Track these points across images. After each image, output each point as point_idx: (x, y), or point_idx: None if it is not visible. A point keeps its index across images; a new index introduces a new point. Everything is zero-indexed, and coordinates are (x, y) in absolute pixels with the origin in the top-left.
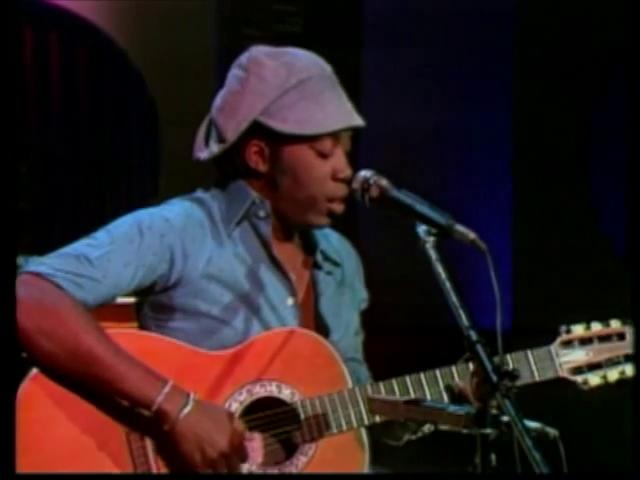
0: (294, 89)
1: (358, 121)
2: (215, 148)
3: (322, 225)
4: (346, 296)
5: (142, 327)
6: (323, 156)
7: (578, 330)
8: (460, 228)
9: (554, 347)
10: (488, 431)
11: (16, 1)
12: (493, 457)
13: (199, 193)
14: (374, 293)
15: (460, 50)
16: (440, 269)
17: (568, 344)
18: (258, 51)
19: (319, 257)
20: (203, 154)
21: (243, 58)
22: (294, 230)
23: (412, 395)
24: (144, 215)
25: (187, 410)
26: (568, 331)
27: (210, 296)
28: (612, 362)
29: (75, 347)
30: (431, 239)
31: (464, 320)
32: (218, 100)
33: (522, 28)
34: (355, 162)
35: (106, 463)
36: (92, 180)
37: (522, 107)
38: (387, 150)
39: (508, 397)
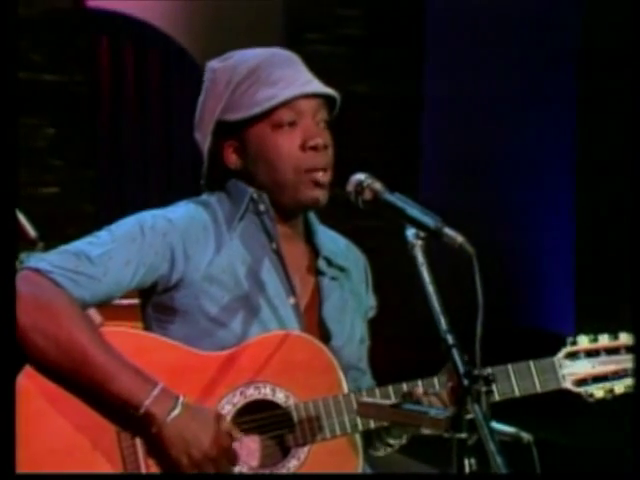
0: (245, 79)
1: (315, 88)
2: (203, 167)
3: (316, 200)
4: (351, 303)
5: (146, 327)
6: (286, 130)
7: (584, 342)
8: (449, 232)
9: (558, 358)
10: (463, 435)
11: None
12: (472, 461)
13: (205, 196)
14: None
15: (522, 49)
16: (425, 273)
17: (573, 355)
18: (212, 61)
19: (323, 263)
20: (202, 180)
21: (204, 74)
22: (294, 219)
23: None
24: (147, 215)
25: (175, 413)
26: (574, 342)
27: (211, 298)
28: (619, 375)
29: (67, 345)
30: (419, 242)
31: (443, 324)
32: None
33: (586, 26)
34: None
35: (97, 460)
36: (162, 180)
37: (585, 107)
38: (452, 153)
39: (479, 401)
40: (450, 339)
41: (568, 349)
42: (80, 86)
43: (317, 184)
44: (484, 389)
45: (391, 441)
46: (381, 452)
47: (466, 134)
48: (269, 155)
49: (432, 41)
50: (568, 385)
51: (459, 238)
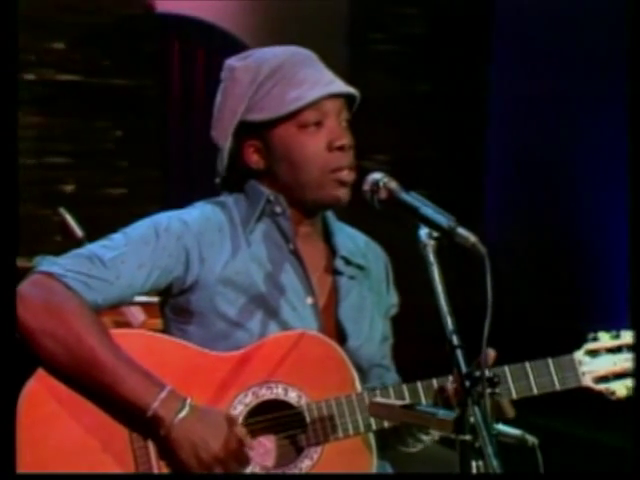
0: (268, 79)
1: (339, 88)
2: (220, 166)
3: (340, 199)
4: (370, 301)
5: (165, 328)
6: (312, 131)
7: (605, 338)
8: (462, 232)
9: (578, 355)
10: (467, 437)
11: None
12: (480, 464)
13: (223, 197)
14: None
15: (586, 48)
16: (434, 273)
17: (594, 353)
18: (230, 60)
19: (341, 262)
20: (216, 180)
21: (222, 72)
22: (314, 218)
23: (423, 401)
24: (162, 217)
25: (182, 415)
26: (595, 339)
27: (226, 299)
28: None
29: (76, 348)
30: (431, 242)
31: (449, 325)
32: (212, 120)
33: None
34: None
35: (109, 463)
36: None
37: (636, 108)
38: (517, 152)
39: (479, 403)
40: (455, 340)
41: (588, 346)
42: (147, 90)
43: (342, 183)
44: (489, 391)
45: (423, 436)
46: (412, 448)
47: (531, 133)
48: (295, 155)
49: (497, 39)
50: (588, 383)
51: (472, 238)
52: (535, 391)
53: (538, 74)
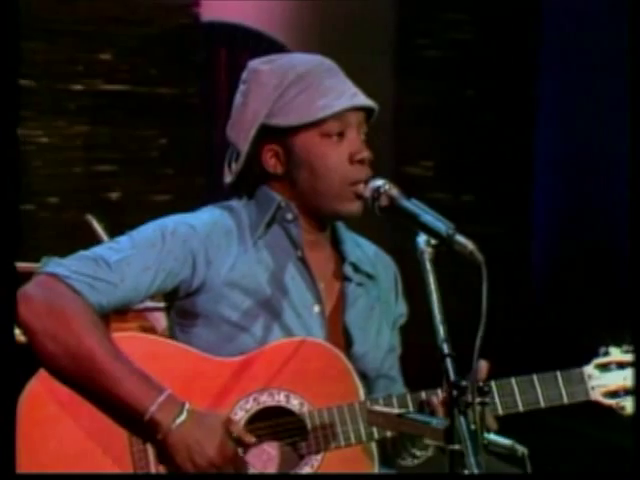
0: (293, 85)
1: (363, 101)
2: (235, 166)
3: (355, 211)
4: (378, 310)
5: (171, 331)
6: (334, 141)
7: (617, 353)
8: (460, 239)
9: (587, 369)
10: (456, 447)
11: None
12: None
13: (233, 202)
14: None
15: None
16: (430, 280)
17: (605, 367)
18: (254, 62)
19: (349, 269)
20: (228, 178)
21: (244, 73)
22: (325, 227)
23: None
24: (169, 221)
25: (180, 420)
26: (606, 353)
27: (231, 303)
28: None
29: (76, 349)
30: (428, 250)
31: (441, 333)
32: (229, 120)
33: None
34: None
35: (108, 466)
36: None
37: None
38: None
39: (465, 413)
40: (445, 348)
41: (599, 360)
42: (192, 97)
43: (358, 196)
44: (478, 400)
45: (417, 452)
46: (409, 462)
47: (580, 138)
48: (316, 164)
49: (544, 42)
50: (598, 397)
51: (470, 246)
52: (542, 404)
53: (587, 78)
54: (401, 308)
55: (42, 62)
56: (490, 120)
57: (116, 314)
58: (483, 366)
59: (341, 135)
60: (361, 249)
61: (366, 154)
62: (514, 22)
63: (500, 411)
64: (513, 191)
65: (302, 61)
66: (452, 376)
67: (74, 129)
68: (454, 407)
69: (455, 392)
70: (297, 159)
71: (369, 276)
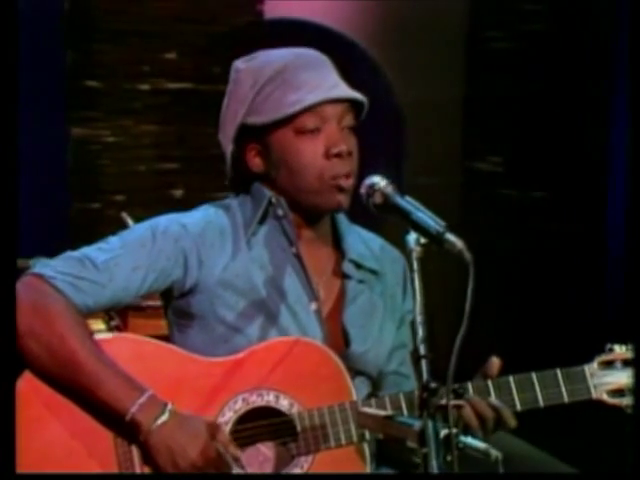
0: (270, 82)
1: (343, 92)
2: (227, 168)
3: (339, 205)
4: (382, 306)
5: (169, 331)
6: (309, 136)
7: (621, 350)
8: (450, 238)
9: (590, 367)
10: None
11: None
12: None
13: (228, 200)
14: None
15: None
16: (416, 280)
17: (609, 364)
18: (237, 61)
19: (349, 266)
20: (226, 181)
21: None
22: (318, 222)
23: None
24: (161, 220)
25: (161, 421)
26: (611, 350)
27: (225, 303)
28: None
29: (59, 349)
30: (417, 249)
31: (420, 334)
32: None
33: None
34: None
35: (93, 467)
36: None
37: None
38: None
39: (433, 416)
40: (422, 349)
41: (603, 357)
42: None
43: (340, 189)
44: (453, 402)
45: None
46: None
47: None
48: (292, 161)
49: (621, 35)
50: (602, 396)
51: (459, 244)
52: (541, 403)
53: None
54: (409, 303)
55: (109, 63)
56: (562, 114)
57: (134, 310)
58: (495, 363)
59: (317, 130)
60: (365, 244)
61: (344, 147)
62: (590, 12)
63: (519, 407)
64: (587, 188)
65: (279, 56)
66: (425, 377)
67: (140, 128)
68: (423, 409)
69: (425, 394)
70: (275, 157)
71: (373, 272)
